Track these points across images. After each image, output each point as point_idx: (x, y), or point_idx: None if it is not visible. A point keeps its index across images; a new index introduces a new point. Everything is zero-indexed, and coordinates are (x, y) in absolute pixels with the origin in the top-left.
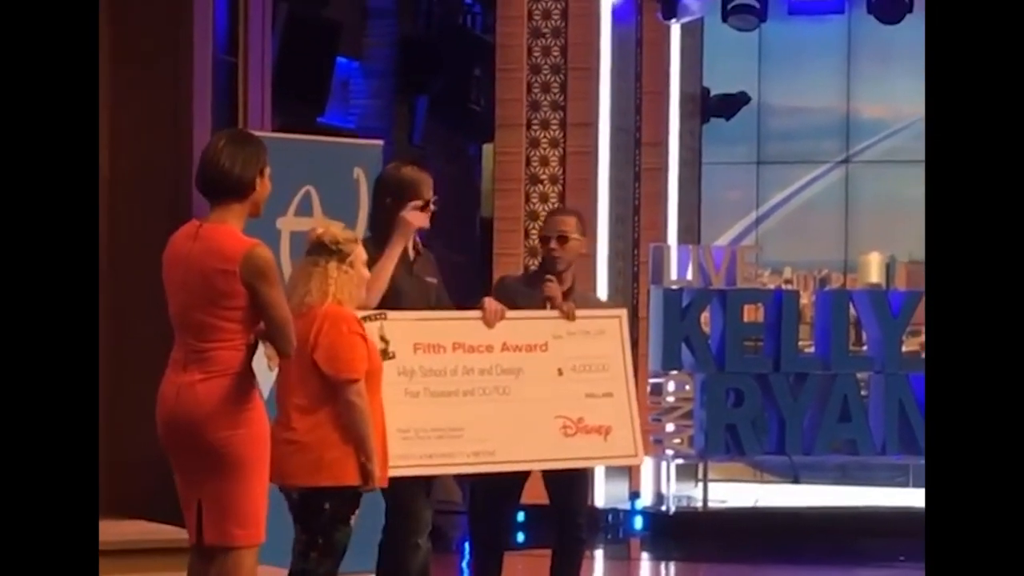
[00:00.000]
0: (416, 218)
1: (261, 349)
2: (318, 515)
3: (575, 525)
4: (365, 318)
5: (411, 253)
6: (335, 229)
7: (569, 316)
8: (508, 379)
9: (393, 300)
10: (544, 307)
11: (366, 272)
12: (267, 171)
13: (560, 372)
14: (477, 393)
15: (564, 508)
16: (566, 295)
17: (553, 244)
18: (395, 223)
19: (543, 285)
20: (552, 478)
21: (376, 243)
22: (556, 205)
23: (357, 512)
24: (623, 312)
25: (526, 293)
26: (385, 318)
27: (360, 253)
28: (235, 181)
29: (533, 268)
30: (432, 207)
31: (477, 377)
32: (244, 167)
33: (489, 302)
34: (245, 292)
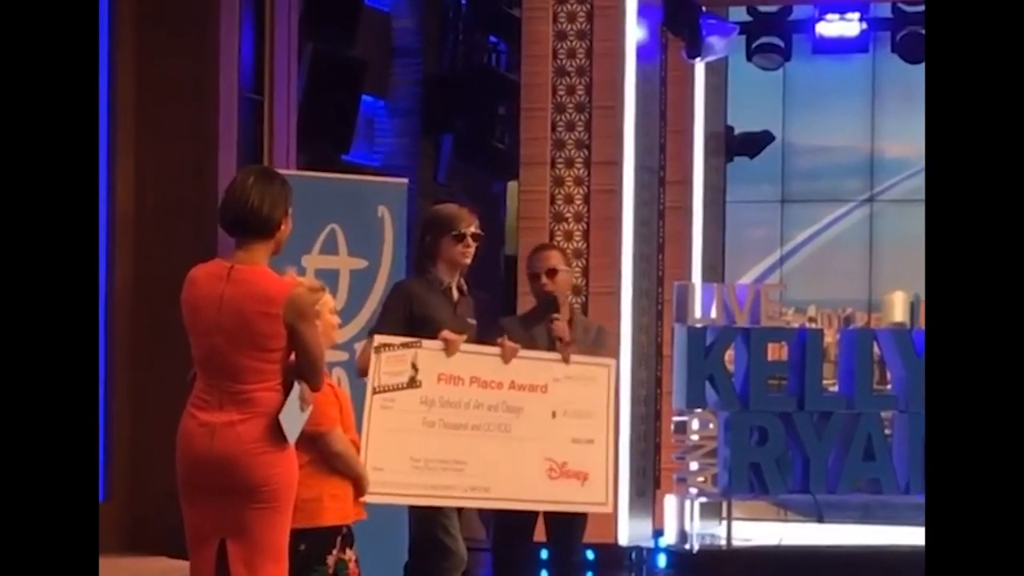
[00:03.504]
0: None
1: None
2: (293, 555)
3: (570, 563)
4: (403, 344)
5: (455, 295)
6: (302, 279)
7: (565, 360)
8: (510, 417)
9: None
10: (552, 346)
11: (334, 319)
12: (290, 210)
13: (554, 415)
14: (483, 428)
15: (560, 545)
16: (568, 325)
17: (544, 279)
18: (434, 259)
19: (551, 325)
20: (549, 515)
21: (418, 279)
22: (581, 243)
23: (335, 551)
24: (612, 362)
25: (524, 333)
26: (420, 346)
27: (327, 301)
28: (264, 220)
29: (528, 308)
30: (472, 241)
31: (486, 412)
32: (273, 206)
33: (506, 340)
34: (285, 333)
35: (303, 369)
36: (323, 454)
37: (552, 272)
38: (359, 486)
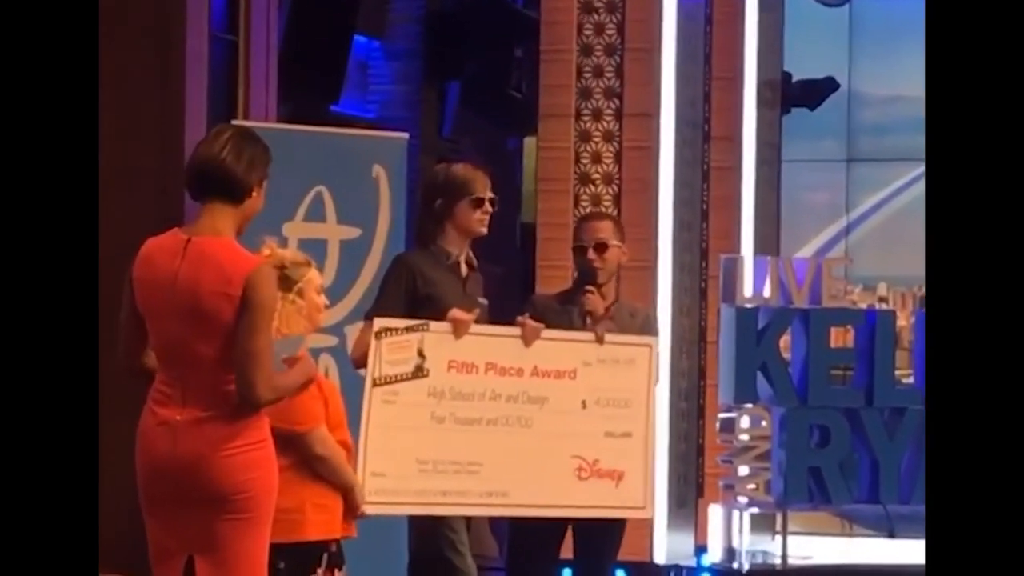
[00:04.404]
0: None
1: None
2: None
3: None
4: (408, 328)
5: (464, 270)
6: (284, 251)
7: (599, 339)
8: (533, 409)
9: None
10: (584, 324)
11: (320, 298)
12: (265, 184)
13: (584, 405)
14: (500, 423)
15: (589, 562)
16: (608, 311)
17: (591, 254)
18: (443, 228)
19: (583, 298)
20: (578, 527)
21: (421, 251)
22: (610, 209)
23: (320, 570)
24: (654, 341)
25: (560, 312)
26: (427, 329)
27: (313, 278)
28: (236, 180)
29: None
30: (490, 207)
31: (504, 404)
32: (249, 167)
33: (527, 318)
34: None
35: (237, 368)
36: (304, 457)
37: (602, 246)
38: (350, 499)
